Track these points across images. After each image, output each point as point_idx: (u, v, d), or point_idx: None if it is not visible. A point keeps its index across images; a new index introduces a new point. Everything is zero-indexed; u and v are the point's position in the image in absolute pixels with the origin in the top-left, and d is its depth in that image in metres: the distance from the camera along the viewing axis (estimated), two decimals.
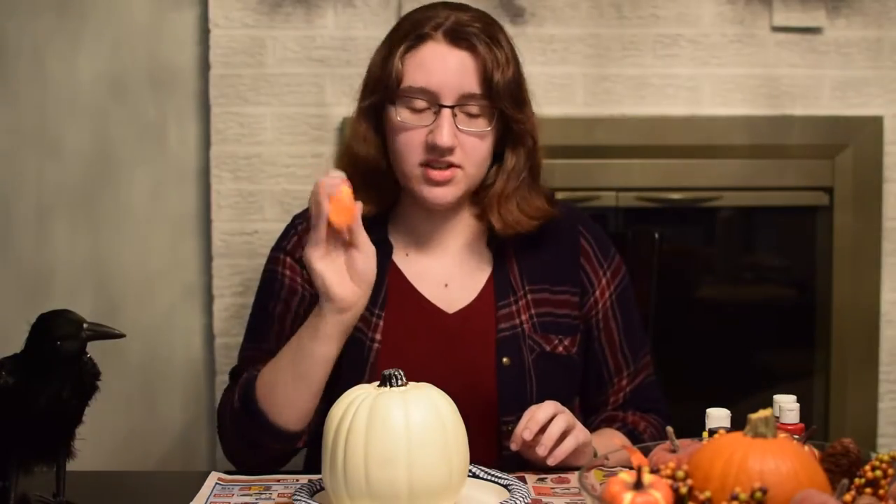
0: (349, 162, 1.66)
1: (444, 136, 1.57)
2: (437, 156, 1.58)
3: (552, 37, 2.24)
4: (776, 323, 2.42)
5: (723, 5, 2.26)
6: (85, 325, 1.33)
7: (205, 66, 2.24)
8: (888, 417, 2.33)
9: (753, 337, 2.41)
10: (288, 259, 1.69)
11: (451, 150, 1.58)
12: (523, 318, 1.66)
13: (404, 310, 1.66)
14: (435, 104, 1.58)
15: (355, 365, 1.62)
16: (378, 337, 1.64)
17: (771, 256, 2.49)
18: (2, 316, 2.22)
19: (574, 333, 1.69)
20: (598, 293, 1.71)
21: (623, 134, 2.26)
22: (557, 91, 2.25)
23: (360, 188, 1.57)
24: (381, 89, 1.62)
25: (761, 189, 2.31)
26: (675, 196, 2.31)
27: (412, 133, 1.60)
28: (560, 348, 1.67)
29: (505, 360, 1.64)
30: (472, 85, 1.59)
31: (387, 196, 1.68)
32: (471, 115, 1.60)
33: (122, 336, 1.34)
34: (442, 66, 1.59)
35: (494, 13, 2.20)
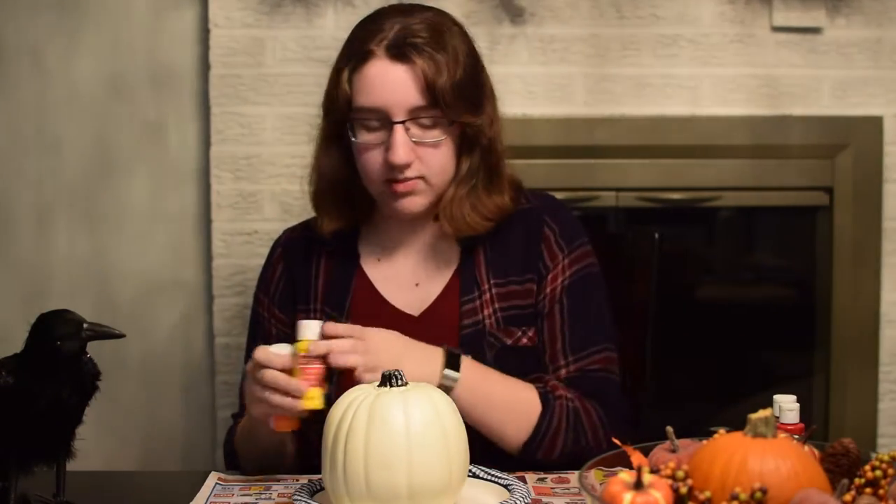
0: (319, 177, 1.70)
1: (399, 154, 1.59)
2: (396, 173, 1.60)
3: (552, 37, 2.24)
4: (776, 323, 2.41)
5: (723, 5, 2.26)
6: (85, 325, 1.33)
7: (205, 66, 2.24)
8: (888, 417, 2.33)
9: (753, 337, 2.41)
10: (268, 302, 1.75)
11: (408, 166, 1.60)
12: (486, 312, 1.66)
13: (370, 317, 1.66)
14: (387, 121, 1.60)
15: None
16: None
17: (771, 256, 2.49)
18: (2, 316, 2.22)
19: (536, 322, 1.69)
20: (550, 277, 1.68)
21: (623, 134, 2.26)
22: (557, 91, 2.25)
23: (331, 202, 1.68)
24: (336, 110, 1.64)
25: (761, 189, 2.31)
26: (675, 196, 2.31)
27: (372, 153, 1.62)
28: (524, 340, 1.67)
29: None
30: (417, 98, 1.59)
31: (357, 208, 1.71)
32: (424, 127, 1.61)
33: (122, 336, 1.34)
34: (384, 84, 1.60)
35: (494, 13, 2.22)
